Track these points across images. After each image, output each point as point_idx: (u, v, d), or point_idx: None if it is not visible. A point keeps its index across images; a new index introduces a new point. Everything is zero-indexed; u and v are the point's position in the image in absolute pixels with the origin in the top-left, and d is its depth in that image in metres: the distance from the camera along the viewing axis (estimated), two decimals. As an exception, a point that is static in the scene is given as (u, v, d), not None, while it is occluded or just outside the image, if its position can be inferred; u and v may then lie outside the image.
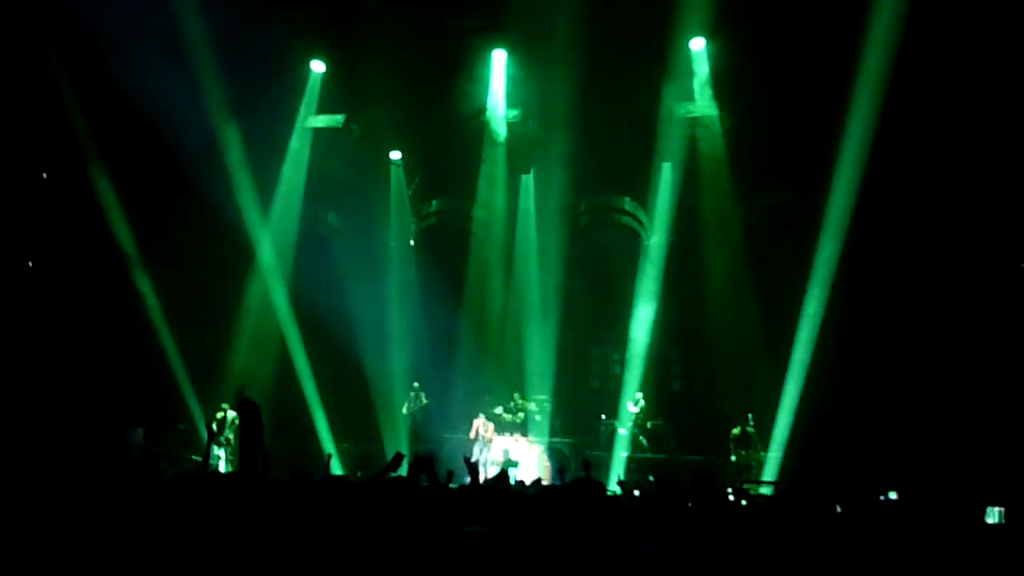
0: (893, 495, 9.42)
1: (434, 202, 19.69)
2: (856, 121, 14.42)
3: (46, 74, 15.12)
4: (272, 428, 16.07)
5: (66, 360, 15.77)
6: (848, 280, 15.26)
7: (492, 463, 15.51)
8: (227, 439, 14.77)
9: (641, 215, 18.33)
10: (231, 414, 14.81)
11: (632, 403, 16.37)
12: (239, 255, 17.55)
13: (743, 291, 16.88)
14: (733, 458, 14.52)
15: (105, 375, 16.03)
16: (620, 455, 15.78)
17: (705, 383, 17.72)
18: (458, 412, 16.49)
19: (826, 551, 3.82)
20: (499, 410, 16.68)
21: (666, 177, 17.35)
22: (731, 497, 10.56)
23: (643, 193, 17.89)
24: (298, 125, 17.84)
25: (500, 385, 17.54)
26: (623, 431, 16.17)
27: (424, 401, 16.78)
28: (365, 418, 17.48)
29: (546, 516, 3.66)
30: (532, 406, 16.91)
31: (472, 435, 15.92)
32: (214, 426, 14.54)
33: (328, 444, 16.30)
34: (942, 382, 14.18)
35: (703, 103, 16.59)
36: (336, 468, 14.92)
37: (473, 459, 14.70)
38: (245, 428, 12.73)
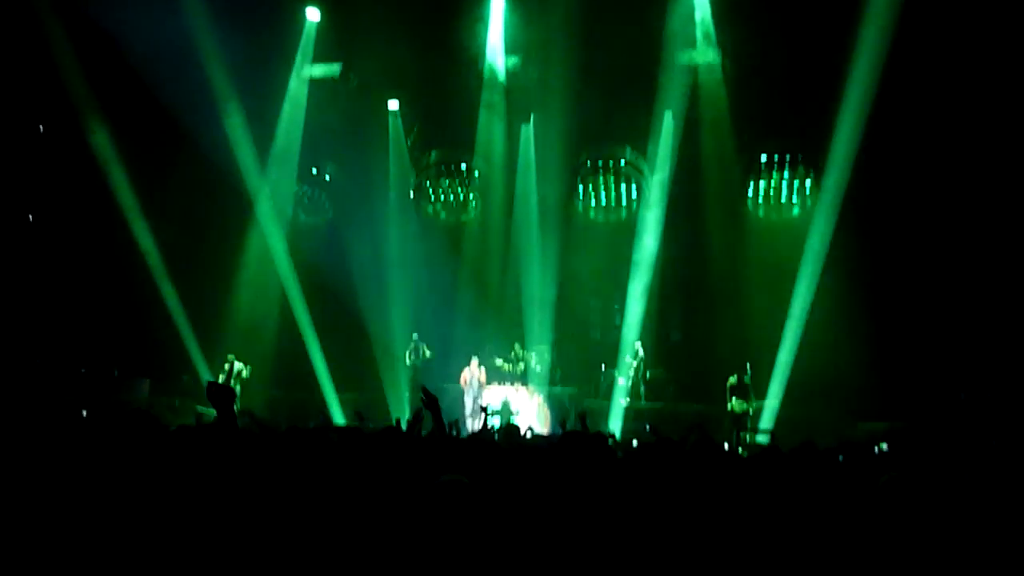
0: (884, 446, 9.59)
1: (433, 152, 19.57)
2: (859, 68, 14.35)
3: (38, 26, 14.98)
4: (275, 378, 16.65)
5: (69, 314, 16.04)
6: (849, 230, 15.26)
7: (490, 412, 15.13)
8: (232, 390, 15.04)
9: (642, 164, 18.19)
10: (238, 365, 15.46)
11: (631, 356, 16.39)
12: (238, 207, 17.50)
13: (744, 240, 16.99)
14: (729, 407, 14.45)
15: (108, 328, 16.34)
16: (619, 404, 15.85)
17: (705, 332, 17.53)
18: (458, 363, 16.51)
19: (818, 500, 3.83)
20: (499, 361, 16.75)
21: (667, 126, 17.22)
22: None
23: (644, 142, 17.74)
24: (294, 75, 17.74)
25: (500, 335, 17.64)
26: (623, 381, 16.26)
27: (427, 354, 16.94)
28: (366, 368, 17.62)
29: (536, 467, 3.81)
30: (532, 356, 16.97)
31: (463, 383, 15.87)
32: (221, 378, 15.16)
33: (330, 394, 16.47)
34: (943, 330, 14.32)
35: (705, 50, 16.48)
36: (338, 419, 15.19)
37: (467, 410, 15.00)
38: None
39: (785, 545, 3.13)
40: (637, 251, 17.35)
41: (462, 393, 15.78)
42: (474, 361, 16.05)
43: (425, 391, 5.11)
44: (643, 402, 16.15)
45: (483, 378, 15.95)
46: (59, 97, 15.45)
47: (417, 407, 5.29)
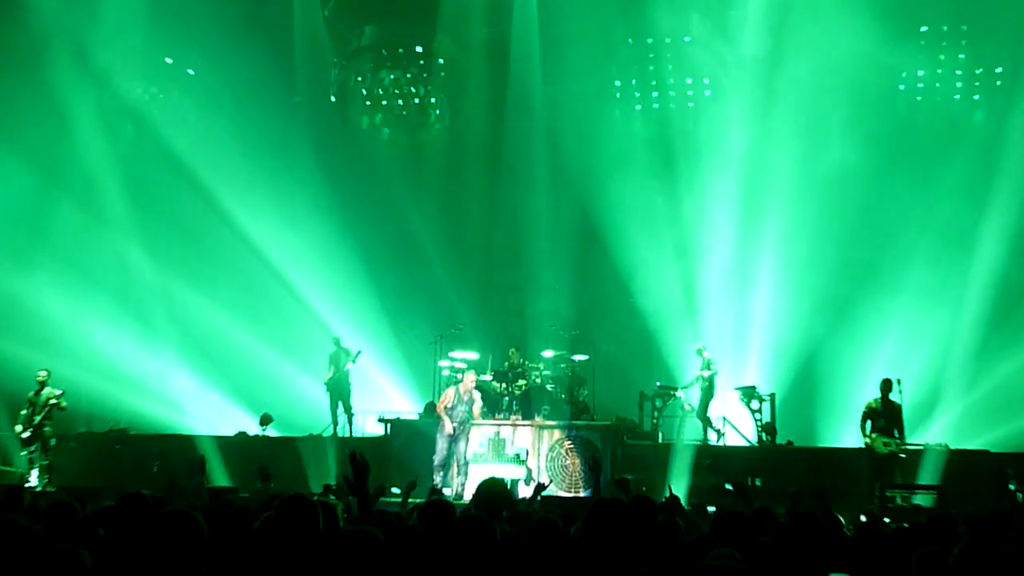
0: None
1: (367, 28, 19.60)
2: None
3: None
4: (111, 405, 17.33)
5: None
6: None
7: (475, 458, 15.37)
8: (39, 432, 15.75)
9: (718, 44, 18.10)
10: (48, 391, 15.61)
11: (700, 367, 16.32)
12: (45, 123, 17.74)
13: (893, 162, 17.17)
14: (866, 444, 14.48)
15: None
16: (685, 443, 15.59)
17: (827, 324, 17.85)
18: (418, 381, 16.98)
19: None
20: (487, 376, 16.30)
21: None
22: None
23: (720, 10, 18.07)
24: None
25: (487, 336, 17.83)
26: (689, 406, 16.18)
27: (349, 358, 16.82)
28: (261, 388, 17.84)
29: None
30: (539, 368, 16.85)
31: (441, 410, 14.85)
32: (24, 413, 15.75)
33: (206, 441, 16.20)
34: None
35: None
36: (218, 477, 15.16)
37: (438, 458, 14.92)
38: None
39: None
40: (710, 187, 17.40)
41: (438, 426, 14.94)
42: (468, 376, 14.99)
43: (353, 460, 5.34)
44: (721, 442, 15.98)
45: (478, 406, 15.11)
46: None
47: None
